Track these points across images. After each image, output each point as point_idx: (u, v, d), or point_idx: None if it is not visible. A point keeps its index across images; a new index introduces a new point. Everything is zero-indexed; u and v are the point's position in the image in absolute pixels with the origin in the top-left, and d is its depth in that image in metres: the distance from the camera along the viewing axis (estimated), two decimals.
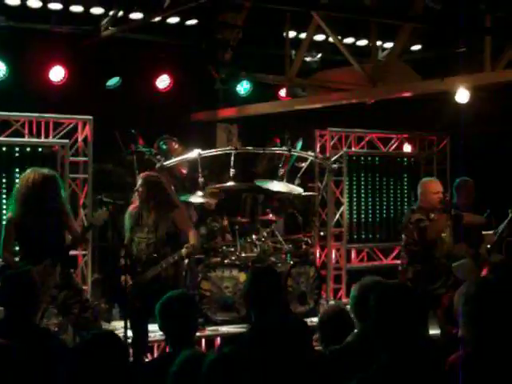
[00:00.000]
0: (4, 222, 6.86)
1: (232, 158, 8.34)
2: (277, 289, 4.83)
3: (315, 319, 8.45)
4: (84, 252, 8.22)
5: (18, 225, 6.45)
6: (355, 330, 4.27)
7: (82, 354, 3.27)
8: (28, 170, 6.64)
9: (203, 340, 7.71)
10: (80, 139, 8.40)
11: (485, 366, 3.22)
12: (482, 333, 3.23)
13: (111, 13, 8.82)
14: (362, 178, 10.42)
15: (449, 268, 7.45)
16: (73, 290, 6.50)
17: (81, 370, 3.23)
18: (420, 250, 7.46)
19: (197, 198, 8.22)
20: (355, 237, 10.31)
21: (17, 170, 8.03)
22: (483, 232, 8.20)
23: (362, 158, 10.41)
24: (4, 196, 7.98)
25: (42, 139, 8.21)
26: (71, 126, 8.37)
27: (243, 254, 8.41)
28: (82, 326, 6.37)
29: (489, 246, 7.97)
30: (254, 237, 8.68)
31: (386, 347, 3.25)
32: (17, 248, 6.78)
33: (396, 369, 3.21)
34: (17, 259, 6.59)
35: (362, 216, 10.42)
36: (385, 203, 10.63)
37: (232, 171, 8.32)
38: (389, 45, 9.77)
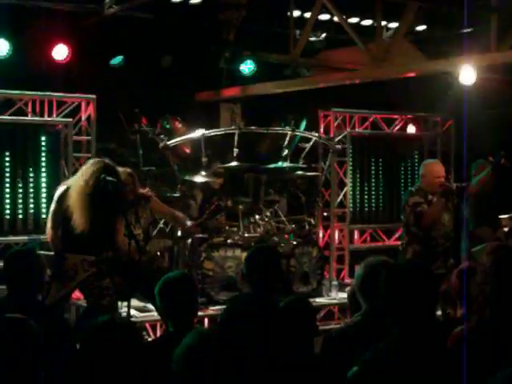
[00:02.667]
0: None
1: (236, 138, 8.33)
2: (275, 267, 4.86)
3: (318, 299, 8.54)
4: None
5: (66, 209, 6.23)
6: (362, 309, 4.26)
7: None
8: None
9: (206, 319, 7.74)
10: (83, 118, 8.38)
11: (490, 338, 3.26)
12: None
13: None
14: (366, 159, 10.39)
15: (447, 249, 7.49)
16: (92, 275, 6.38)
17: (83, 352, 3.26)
18: (418, 232, 7.48)
19: (200, 177, 8.23)
20: (358, 217, 10.30)
21: (20, 148, 8.04)
22: (499, 216, 8.18)
23: (366, 139, 10.38)
24: (7, 175, 7.97)
25: (46, 118, 8.20)
26: (74, 104, 8.35)
27: (246, 234, 8.40)
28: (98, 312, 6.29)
29: (506, 229, 7.96)
30: (257, 217, 8.67)
31: (397, 323, 3.26)
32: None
33: (407, 345, 3.21)
34: None
35: (366, 197, 10.40)
36: (388, 184, 10.61)
37: (235, 151, 8.31)
38: (394, 25, 9.73)
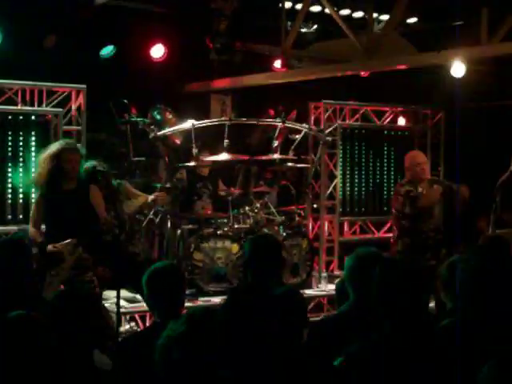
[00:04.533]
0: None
1: (226, 129, 8.32)
2: (278, 258, 4.86)
3: (307, 291, 8.56)
4: None
5: (43, 203, 6.41)
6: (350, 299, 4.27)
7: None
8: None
9: None
10: (73, 108, 8.33)
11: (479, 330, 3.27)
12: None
13: None
14: (356, 151, 10.40)
15: (437, 241, 7.53)
16: (78, 270, 6.41)
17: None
18: (408, 224, 7.52)
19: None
20: (348, 209, 10.31)
21: (9, 138, 8.01)
22: None
23: (356, 131, 10.39)
24: None
25: (36, 107, 8.16)
26: (65, 94, 8.32)
27: (236, 226, 8.41)
28: None
29: None
30: (246, 208, 8.68)
31: (389, 316, 3.27)
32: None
33: (398, 337, 3.22)
34: None
35: (355, 189, 10.41)
36: (378, 176, 10.63)
37: (226, 142, 8.30)
38: (385, 17, 9.72)
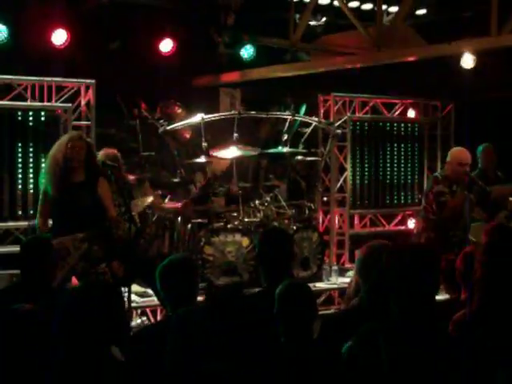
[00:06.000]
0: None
1: (235, 123, 8.30)
2: (289, 251, 4.85)
3: (318, 284, 8.54)
4: None
5: (51, 195, 6.40)
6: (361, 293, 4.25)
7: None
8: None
9: None
10: (83, 103, 8.35)
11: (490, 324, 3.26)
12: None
13: None
14: (366, 144, 10.38)
15: (463, 241, 7.47)
16: (90, 262, 6.42)
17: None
18: (437, 220, 7.46)
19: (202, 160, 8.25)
20: (358, 202, 10.30)
21: (19, 133, 8.02)
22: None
23: (366, 124, 10.36)
24: (7, 160, 7.95)
25: (45, 103, 8.17)
26: (74, 89, 8.33)
27: (246, 219, 8.39)
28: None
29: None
30: (257, 202, 8.66)
31: (397, 304, 3.26)
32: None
33: (405, 325, 3.21)
34: None
35: (366, 182, 10.39)
36: (388, 169, 10.60)
37: (235, 136, 8.29)
38: (394, 9, 9.68)
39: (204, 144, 8.18)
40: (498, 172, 8.55)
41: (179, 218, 8.30)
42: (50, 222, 6.63)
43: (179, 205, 8.23)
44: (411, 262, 3.25)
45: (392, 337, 3.17)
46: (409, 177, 10.76)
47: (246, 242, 8.08)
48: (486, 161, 8.47)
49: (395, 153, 10.64)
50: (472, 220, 7.56)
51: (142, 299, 7.60)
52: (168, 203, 8.45)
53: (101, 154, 7.34)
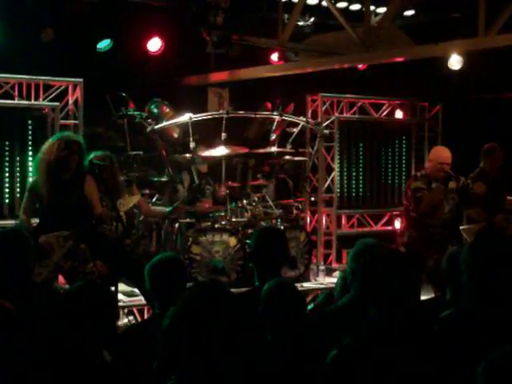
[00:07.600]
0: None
1: (223, 122, 8.30)
2: (283, 249, 4.85)
3: (305, 284, 8.56)
4: None
5: (37, 194, 6.37)
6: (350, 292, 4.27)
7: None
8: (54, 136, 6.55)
9: None
10: (70, 102, 8.33)
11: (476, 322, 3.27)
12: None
13: None
14: (353, 144, 10.40)
15: (445, 237, 7.53)
16: (77, 261, 6.40)
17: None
18: (416, 217, 7.51)
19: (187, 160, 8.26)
20: (345, 203, 10.32)
21: (6, 132, 7.99)
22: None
23: (354, 124, 10.38)
24: None
25: (32, 101, 8.14)
26: (62, 88, 8.30)
27: (234, 219, 8.40)
28: None
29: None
30: (244, 201, 8.67)
31: (377, 310, 3.27)
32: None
33: (386, 331, 3.22)
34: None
35: (353, 182, 10.42)
36: (375, 169, 10.63)
37: (223, 135, 8.29)
38: (382, 9, 9.70)
39: (192, 143, 8.18)
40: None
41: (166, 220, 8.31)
42: (34, 220, 6.59)
43: (167, 210, 8.21)
44: (386, 270, 3.28)
45: (372, 342, 3.19)
46: (396, 177, 10.79)
47: (233, 241, 8.08)
48: (490, 161, 8.38)
49: (383, 153, 10.67)
50: (470, 220, 7.61)
51: (128, 298, 7.59)
52: (157, 208, 8.43)
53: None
